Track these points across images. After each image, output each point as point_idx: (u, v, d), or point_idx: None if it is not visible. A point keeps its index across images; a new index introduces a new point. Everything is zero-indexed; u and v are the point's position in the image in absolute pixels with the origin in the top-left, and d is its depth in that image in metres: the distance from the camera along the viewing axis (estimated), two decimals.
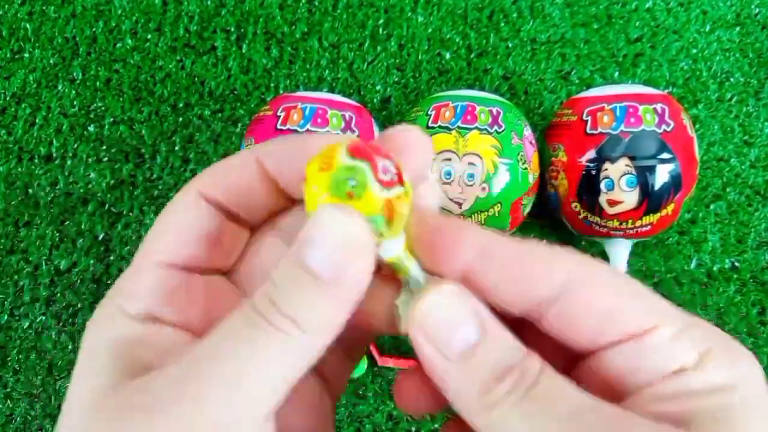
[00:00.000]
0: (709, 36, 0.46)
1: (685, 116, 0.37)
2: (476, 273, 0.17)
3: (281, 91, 0.46)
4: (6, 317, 0.43)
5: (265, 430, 0.15)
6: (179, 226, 0.18)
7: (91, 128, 0.45)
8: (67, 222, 0.44)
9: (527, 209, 0.38)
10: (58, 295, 0.43)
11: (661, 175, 0.35)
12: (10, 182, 0.45)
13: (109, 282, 0.43)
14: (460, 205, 0.35)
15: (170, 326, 0.18)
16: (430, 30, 0.46)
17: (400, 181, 0.16)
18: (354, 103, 0.39)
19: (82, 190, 0.44)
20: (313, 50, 0.46)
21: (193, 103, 0.46)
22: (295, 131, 0.36)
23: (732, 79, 0.45)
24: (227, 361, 0.15)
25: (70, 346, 0.42)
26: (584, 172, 0.36)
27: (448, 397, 0.16)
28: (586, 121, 0.36)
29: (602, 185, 0.36)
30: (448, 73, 0.46)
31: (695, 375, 0.15)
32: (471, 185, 0.35)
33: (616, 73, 0.45)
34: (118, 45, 0.47)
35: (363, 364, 0.40)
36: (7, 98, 0.46)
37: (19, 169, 0.45)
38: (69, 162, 0.45)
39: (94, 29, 0.47)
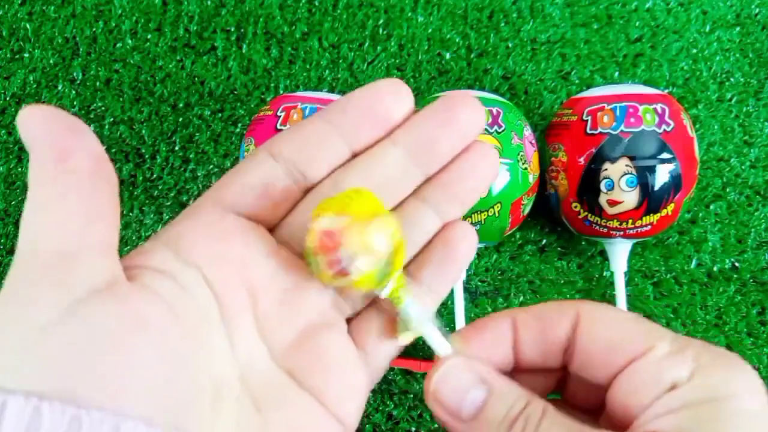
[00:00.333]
0: (709, 36, 0.46)
1: (685, 116, 0.37)
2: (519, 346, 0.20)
3: (281, 91, 0.46)
4: None
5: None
6: (249, 178, 0.21)
7: (91, 128, 0.45)
8: None
9: (527, 209, 0.38)
10: None
11: (661, 175, 0.35)
12: (10, 182, 0.45)
13: None
14: None
15: None
16: (430, 30, 0.46)
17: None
18: None
19: None
20: (313, 50, 0.46)
21: (193, 103, 0.46)
22: None
23: (732, 79, 0.45)
24: None
25: None
26: (584, 172, 0.36)
27: None
28: (586, 121, 0.36)
29: (602, 185, 0.36)
30: (448, 73, 0.46)
31: (689, 388, 0.16)
32: None
33: (616, 73, 0.45)
34: (118, 45, 0.47)
35: None
36: (7, 98, 0.46)
37: (19, 169, 0.45)
38: None
39: (94, 29, 0.47)
